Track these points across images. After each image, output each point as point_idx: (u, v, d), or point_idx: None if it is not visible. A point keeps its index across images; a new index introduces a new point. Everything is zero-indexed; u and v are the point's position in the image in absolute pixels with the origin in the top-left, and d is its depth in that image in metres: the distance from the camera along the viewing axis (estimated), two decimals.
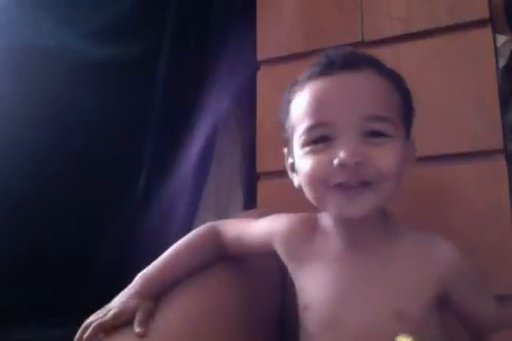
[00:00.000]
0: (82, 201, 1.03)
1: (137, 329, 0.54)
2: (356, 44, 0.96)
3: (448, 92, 0.88)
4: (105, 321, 0.56)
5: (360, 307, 0.57)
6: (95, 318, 0.57)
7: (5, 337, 0.89)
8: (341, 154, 0.52)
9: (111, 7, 1.11)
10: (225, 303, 0.66)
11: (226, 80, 1.11)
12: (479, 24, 0.88)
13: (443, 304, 0.58)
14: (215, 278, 0.68)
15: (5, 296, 0.95)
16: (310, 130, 0.56)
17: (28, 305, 0.95)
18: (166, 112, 1.09)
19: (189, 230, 0.73)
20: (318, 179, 0.55)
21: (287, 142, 0.63)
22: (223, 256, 0.71)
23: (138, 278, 0.63)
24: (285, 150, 0.65)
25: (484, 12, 0.88)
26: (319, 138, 0.56)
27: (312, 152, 0.56)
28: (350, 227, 0.60)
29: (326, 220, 0.63)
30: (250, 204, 1.09)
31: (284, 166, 0.66)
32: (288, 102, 0.61)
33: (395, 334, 0.54)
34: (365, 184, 0.54)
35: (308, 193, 0.59)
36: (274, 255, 0.66)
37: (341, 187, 0.54)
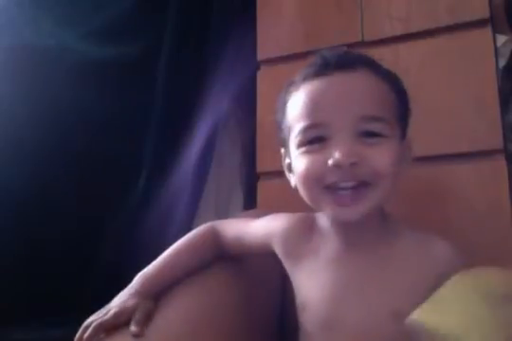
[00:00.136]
0: (82, 201, 1.03)
1: (132, 328, 0.54)
2: (355, 45, 0.96)
3: (448, 92, 0.88)
4: (106, 321, 0.56)
5: (357, 307, 0.57)
6: (95, 318, 0.57)
7: (5, 337, 0.89)
8: (336, 155, 0.53)
9: (111, 7, 1.11)
10: (224, 303, 0.66)
11: (226, 80, 1.11)
12: (479, 24, 0.88)
13: None
14: (215, 278, 0.68)
15: (5, 295, 0.95)
16: (305, 130, 0.56)
17: (28, 305, 0.95)
18: (166, 112, 1.09)
19: (189, 230, 0.73)
20: (312, 179, 0.56)
21: (284, 143, 0.63)
22: (222, 256, 0.71)
23: (138, 278, 0.63)
24: (283, 150, 0.65)
25: (484, 12, 0.88)
26: (314, 139, 0.56)
27: (307, 153, 0.56)
28: (347, 228, 0.60)
29: (323, 220, 0.63)
30: (250, 204, 1.09)
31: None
32: (284, 103, 0.61)
33: (392, 334, 0.54)
34: (363, 184, 0.54)
35: (303, 193, 0.59)
36: (273, 255, 0.66)
37: (334, 189, 0.54)
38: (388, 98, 0.58)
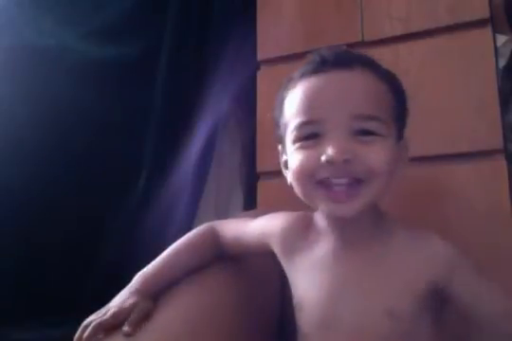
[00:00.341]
0: (82, 201, 1.03)
1: (125, 328, 0.55)
2: (355, 45, 0.96)
3: (448, 92, 0.88)
4: (105, 320, 0.56)
5: (352, 306, 0.57)
6: (94, 317, 0.57)
7: (4, 337, 0.89)
8: (329, 151, 0.53)
9: (111, 6, 1.12)
10: (224, 303, 0.66)
11: (226, 80, 1.11)
12: (479, 24, 0.88)
13: (441, 301, 0.58)
14: (214, 278, 0.68)
15: (4, 295, 0.95)
16: (301, 127, 0.57)
17: (28, 305, 0.95)
18: (166, 112, 1.09)
19: (189, 230, 0.73)
20: (305, 174, 0.56)
21: (281, 139, 0.63)
22: (222, 255, 0.71)
23: (138, 277, 0.63)
24: (280, 147, 0.65)
25: (484, 12, 0.88)
26: (309, 135, 0.56)
27: (302, 148, 0.56)
28: (342, 225, 0.60)
29: (320, 218, 0.63)
30: (250, 204, 1.09)
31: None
32: (282, 100, 0.62)
33: (386, 332, 0.55)
34: (356, 181, 0.54)
35: (296, 188, 0.59)
36: (272, 254, 0.66)
37: (327, 185, 0.54)
38: (385, 98, 0.58)
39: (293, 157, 0.57)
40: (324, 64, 0.58)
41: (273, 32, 1.08)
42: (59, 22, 1.10)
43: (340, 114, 0.55)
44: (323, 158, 0.53)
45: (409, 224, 0.61)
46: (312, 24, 1.04)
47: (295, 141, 0.57)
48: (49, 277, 0.97)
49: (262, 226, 0.68)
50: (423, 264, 0.57)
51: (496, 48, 0.90)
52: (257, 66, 1.08)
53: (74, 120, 1.05)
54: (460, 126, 0.86)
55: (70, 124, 1.05)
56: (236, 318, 0.66)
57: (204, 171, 1.12)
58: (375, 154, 0.54)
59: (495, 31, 0.89)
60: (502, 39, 1.04)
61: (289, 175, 0.61)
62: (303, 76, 0.59)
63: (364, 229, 0.60)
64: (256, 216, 0.71)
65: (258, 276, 0.76)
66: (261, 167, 1.02)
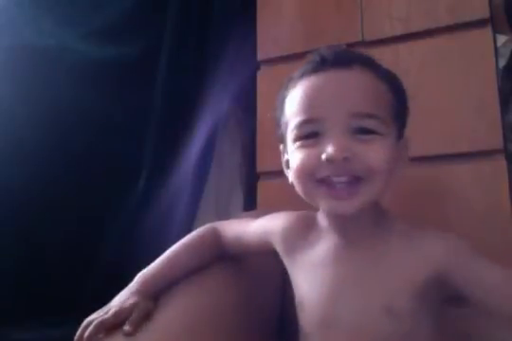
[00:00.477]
0: (82, 201, 1.03)
1: (126, 327, 0.55)
2: (355, 44, 0.96)
3: (448, 92, 0.88)
4: (106, 319, 0.56)
5: (351, 304, 0.57)
6: (96, 317, 0.57)
7: (4, 337, 0.89)
8: (329, 150, 0.53)
9: (111, 7, 1.12)
10: (223, 303, 0.66)
11: (226, 80, 1.11)
12: (479, 24, 0.88)
13: (443, 299, 0.58)
14: (214, 278, 0.69)
15: (4, 295, 0.95)
16: (301, 125, 0.57)
17: (28, 305, 0.95)
18: (166, 112, 1.09)
19: (189, 230, 0.73)
20: (305, 173, 0.56)
21: (282, 139, 0.63)
22: (223, 256, 0.71)
23: (139, 278, 0.63)
24: (281, 146, 0.65)
25: (484, 12, 0.88)
26: (309, 134, 0.56)
27: (302, 147, 0.57)
28: (343, 223, 0.60)
29: (322, 217, 0.63)
30: (250, 204, 1.09)
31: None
32: (283, 99, 0.62)
33: (386, 330, 0.55)
34: (356, 179, 0.54)
35: (297, 187, 0.59)
36: (274, 254, 0.66)
37: (328, 183, 0.55)
38: (384, 97, 0.58)
39: (294, 156, 0.58)
40: (324, 64, 0.58)
41: (273, 32, 1.08)
42: (59, 22, 1.10)
43: (339, 112, 0.55)
44: (323, 157, 0.53)
45: (409, 221, 0.61)
46: (312, 24, 1.04)
47: (295, 140, 0.58)
48: (49, 277, 0.97)
49: (263, 226, 0.68)
50: (422, 261, 0.57)
51: (496, 48, 0.90)
52: (257, 66, 1.08)
53: (74, 120, 1.05)
54: (460, 126, 0.86)
55: (70, 124, 1.05)
56: (236, 318, 0.66)
57: (204, 171, 1.12)
58: (374, 153, 0.54)
59: (495, 31, 0.89)
60: (502, 39, 1.04)
61: (290, 174, 0.61)
62: (304, 75, 0.59)
63: (365, 227, 0.60)
64: (257, 216, 0.71)
65: (258, 276, 0.76)
66: (261, 167, 1.02)
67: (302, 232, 0.64)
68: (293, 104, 0.59)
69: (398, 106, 0.60)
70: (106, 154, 1.04)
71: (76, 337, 0.56)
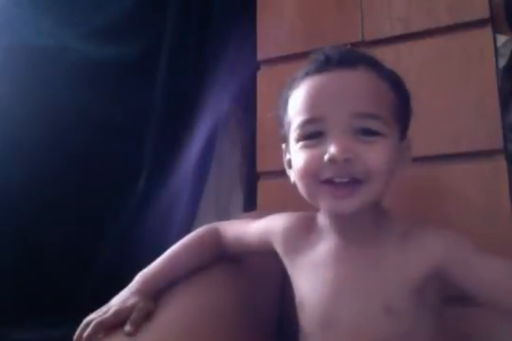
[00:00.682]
0: (82, 201, 1.03)
1: (127, 327, 0.55)
2: (356, 44, 0.96)
3: (447, 92, 0.88)
4: (106, 319, 0.56)
5: (350, 304, 0.57)
6: (95, 316, 0.57)
7: (4, 337, 0.89)
8: (332, 150, 0.53)
9: (111, 6, 1.12)
10: (223, 303, 0.66)
11: (226, 80, 1.11)
12: (479, 24, 0.88)
13: (443, 297, 0.58)
14: (214, 279, 0.69)
15: (4, 295, 0.95)
16: (304, 125, 0.57)
17: (28, 305, 0.95)
18: (166, 112, 1.09)
19: (189, 231, 0.73)
20: (309, 174, 0.56)
21: (285, 138, 0.63)
22: (223, 256, 0.71)
23: (139, 278, 0.63)
24: (283, 146, 0.66)
25: (484, 12, 0.88)
26: (312, 134, 0.56)
27: (305, 147, 0.57)
28: (343, 224, 0.60)
29: (322, 218, 0.63)
30: (250, 204, 1.09)
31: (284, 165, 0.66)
32: (286, 98, 0.62)
33: (385, 330, 0.55)
34: (355, 181, 0.54)
35: (300, 188, 0.59)
36: (274, 254, 0.66)
37: (331, 183, 0.55)
38: (387, 97, 0.58)
39: (297, 156, 0.58)
40: (328, 63, 0.58)
41: (273, 32, 1.08)
42: (58, 21, 1.09)
43: (341, 112, 0.55)
44: (326, 157, 0.53)
45: (410, 221, 0.61)
46: (312, 24, 1.04)
47: (298, 140, 0.58)
48: (49, 277, 0.97)
49: (264, 226, 0.68)
50: (422, 258, 0.57)
51: (496, 48, 0.90)
52: (257, 66, 1.08)
53: (73, 120, 1.05)
54: (460, 126, 0.86)
55: (70, 124, 1.05)
56: (236, 318, 0.66)
57: (204, 172, 1.12)
58: (375, 154, 0.54)
59: (495, 31, 0.89)
60: (502, 39, 1.04)
61: (293, 174, 0.61)
62: (307, 75, 0.59)
63: (365, 228, 0.60)
64: (258, 217, 0.71)
65: (258, 276, 0.76)
66: (261, 167, 1.02)
67: (303, 233, 0.64)
68: (296, 104, 0.59)
69: (401, 107, 0.60)
70: (106, 154, 1.04)
71: (75, 337, 0.56)
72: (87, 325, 0.56)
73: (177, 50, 1.10)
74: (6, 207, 0.99)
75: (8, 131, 1.02)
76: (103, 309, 0.58)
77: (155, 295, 0.62)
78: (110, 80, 1.08)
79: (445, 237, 0.58)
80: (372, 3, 0.99)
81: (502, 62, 1.04)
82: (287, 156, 0.64)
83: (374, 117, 0.55)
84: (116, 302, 0.59)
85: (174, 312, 0.60)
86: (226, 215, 1.14)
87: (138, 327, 0.55)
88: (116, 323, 0.56)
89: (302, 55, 1.01)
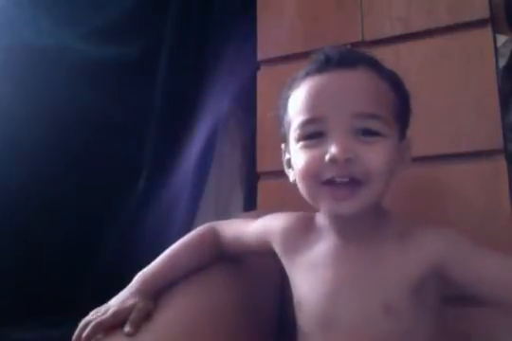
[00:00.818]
0: (82, 201, 1.03)
1: (126, 328, 0.55)
2: (356, 44, 0.96)
3: (447, 92, 0.88)
4: (105, 319, 0.56)
5: (351, 303, 0.57)
6: (94, 316, 0.57)
7: (4, 337, 0.89)
8: (333, 150, 0.53)
9: (111, 6, 1.12)
10: (223, 303, 0.66)
11: (226, 80, 1.11)
12: (479, 24, 0.88)
13: (442, 296, 0.58)
14: (213, 279, 0.69)
15: (4, 295, 0.95)
16: (304, 125, 0.57)
17: (28, 305, 0.95)
18: (166, 112, 1.09)
19: (189, 230, 0.73)
20: (310, 174, 0.56)
21: (285, 138, 0.63)
22: (222, 256, 0.71)
23: (138, 277, 0.63)
24: (283, 145, 0.65)
25: (484, 12, 0.88)
26: (312, 134, 0.56)
27: (306, 147, 0.57)
28: (343, 224, 0.60)
29: (321, 218, 0.63)
30: (250, 204, 1.09)
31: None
32: (286, 98, 0.62)
33: (384, 329, 0.55)
34: (355, 181, 0.54)
35: (301, 189, 0.59)
36: (273, 254, 0.66)
37: (331, 184, 0.55)
38: (387, 98, 0.58)
39: (297, 157, 0.58)
40: (329, 63, 0.58)
41: (273, 32, 1.08)
42: (58, 22, 1.09)
43: (342, 112, 0.55)
44: (327, 158, 0.53)
45: (409, 221, 0.61)
46: (312, 24, 1.04)
47: (298, 140, 0.58)
48: (49, 277, 0.97)
49: (263, 226, 0.68)
50: (421, 256, 0.57)
51: (496, 48, 0.90)
52: (257, 66, 1.08)
53: (73, 120, 1.05)
54: (460, 126, 0.86)
55: (70, 124, 1.05)
56: (235, 318, 0.66)
57: (204, 172, 1.12)
58: (375, 155, 0.54)
59: (495, 31, 0.89)
60: (502, 39, 1.04)
61: (293, 174, 0.61)
62: (308, 75, 0.59)
63: (365, 228, 0.60)
64: (257, 217, 0.71)
65: (257, 276, 0.76)
66: (261, 167, 1.02)
67: (302, 233, 0.64)
68: (296, 104, 0.59)
69: (401, 107, 0.60)
70: (106, 154, 1.04)
71: (74, 337, 0.56)
72: (85, 325, 0.56)
73: (177, 50, 1.10)
74: (6, 207, 0.99)
75: (8, 131, 1.02)
76: (101, 309, 0.58)
77: (155, 294, 0.62)
78: (110, 80, 1.07)
79: (444, 235, 0.58)
80: (372, 3, 0.99)
81: (503, 62, 1.04)
82: (287, 156, 0.64)
83: (375, 118, 0.55)
84: (115, 302, 0.59)
85: (174, 312, 0.60)
86: (225, 215, 1.14)
87: (138, 327, 0.55)
88: (115, 323, 0.56)
89: (302, 55, 1.01)
